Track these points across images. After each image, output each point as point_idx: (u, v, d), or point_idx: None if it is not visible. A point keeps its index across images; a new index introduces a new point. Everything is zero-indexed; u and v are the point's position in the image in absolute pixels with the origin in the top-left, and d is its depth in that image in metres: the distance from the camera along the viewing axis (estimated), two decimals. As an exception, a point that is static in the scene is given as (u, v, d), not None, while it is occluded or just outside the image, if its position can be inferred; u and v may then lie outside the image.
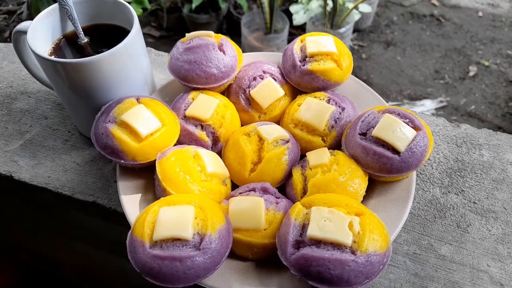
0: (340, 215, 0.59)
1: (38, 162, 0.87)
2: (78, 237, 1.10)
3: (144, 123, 0.72)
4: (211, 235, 0.59)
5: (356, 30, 3.17)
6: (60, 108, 0.97)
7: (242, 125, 0.85)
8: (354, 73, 2.97)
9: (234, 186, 0.77)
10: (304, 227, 0.60)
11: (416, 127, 0.72)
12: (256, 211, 0.65)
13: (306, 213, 0.62)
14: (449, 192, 0.82)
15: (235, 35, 3.01)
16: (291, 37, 2.81)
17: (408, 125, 0.71)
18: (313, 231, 0.58)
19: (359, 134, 0.73)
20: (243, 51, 2.81)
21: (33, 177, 0.85)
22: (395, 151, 0.69)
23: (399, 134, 0.69)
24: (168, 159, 0.71)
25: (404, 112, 0.73)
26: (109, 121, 0.73)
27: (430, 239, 0.76)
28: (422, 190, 0.82)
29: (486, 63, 3.00)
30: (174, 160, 0.70)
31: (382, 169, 0.70)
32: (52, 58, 0.73)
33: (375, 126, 0.72)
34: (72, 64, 0.72)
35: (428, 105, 2.79)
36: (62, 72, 0.74)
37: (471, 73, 2.94)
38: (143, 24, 3.14)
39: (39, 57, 0.73)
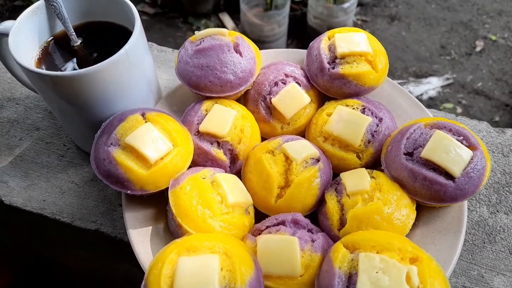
0: (394, 265, 0.49)
1: (31, 182, 0.76)
2: (80, 245, 1.01)
3: (152, 146, 0.61)
4: (241, 290, 0.50)
5: (359, 4, 3.02)
6: (53, 116, 0.85)
7: (262, 137, 0.75)
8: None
9: (257, 212, 0.67)
10: (350, 277, 0.51)
11: (471, 146, 0.61)
12: (290, 254, 0.55)
13: (352, 260, 0.52)
14: (497, 211, 0.73)
15: (233, 12, 2.85)
16: (293, 13, 2.65)
17: (463, 143, 0.61)
18: (364, 287, 0.48)
19: (405, 154, 0.63)
20: (242, 29, 2.67)
21: (26, 201, 0.74)
22: (448, 175, 0.59)
23: (454, 155, 0.59)
24: (182, 188, 0.60)
25: (456, 127, 0.63)
26: (112, 144, 0.62)
27: (480, 269, 0.67)
28: (468, 210, 0.73)
29: (494, 37, 2.88)
30: (190, 190, 0.60)
31: (434, 197, 0.60)
32: (40, 70, 0.61)
33: (424, 144, 0.62)
34: (64, 77, 0.60)
35: (434, 82, 2.69)
36: (53, 86, 0.63)
37: (478, 48, 2.83)
38: (136, 1, 2.95)
39: (25, 69, 0.61)
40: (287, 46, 2.77)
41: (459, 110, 2.49)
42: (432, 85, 2.68)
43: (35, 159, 0.79)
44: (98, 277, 1.26)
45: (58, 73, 0.60)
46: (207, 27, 2.87)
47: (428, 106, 2.48)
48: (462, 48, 2.86)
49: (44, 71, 0.60)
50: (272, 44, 2.63)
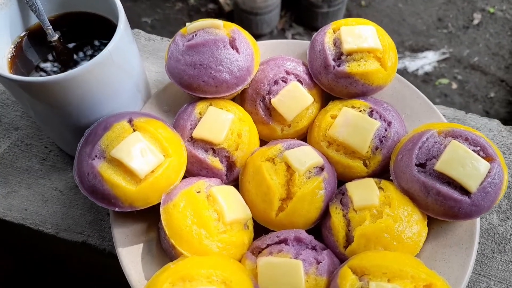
0: (408, 297, 0.46)
1: (10, 189, 0.71)
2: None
3: (141, 159, 0.56)
4: (243, 325, 0.46)
5: (356, -26, 2.90)
6: (31, 114, 0.79)
7: (260, 139, 0.69)
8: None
9: (256, 223, 0.63)
10: (360, 308, 0.47)
11: (488, 157, 0.57)
12: (293, 280, 0.51)
13: (362, 287, 0.48)
14: (508, 218, 0.69)
15: (224, -18, 2.71)
16: (287, -17, 2.54)
17: (479, 154, 0.56)
18: (376, 322, 0.44)
19: (416, 165, 0.58)
20: (234, 0, 2.54)
21: (7, 210, 0.69)
22: (463, 190, 0.55)
23: (470, 169, 0.55)
24: (176, 206, 0.55)
25: (473, 136, 0.58)
26: (96, 156, 0.56)
27: (489, 281, 0.64)
28: (478, 217, 0.69)
29: (492, 10, 2.81)
30: (184, 208, 0.55)
31: (447, 213, 0.56)
32: (13, 76, 0.54)
33: (437, 155, 0.57)
34: (40, 83, 0.54)
35: (430, 57, 2.63)
36: (29, 93, 0.56)
37: (475, 21, 2.76)
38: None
39: (-5, 74, 0.54)
40: (281, 18, 2.67)
41: (454, 85, 2.45)
42: (428, 60, 2.63)
43: (14, 163, 0.73)
44: (94, 270, 1.23)
45: (33, 79, 0.53)
46: (197, -2, 2.74)
47: (424, 81, 2.44)
48: (459, 21, 2.79)
49: (18, 78, 0.53)
50: (265, 16, 2.53)
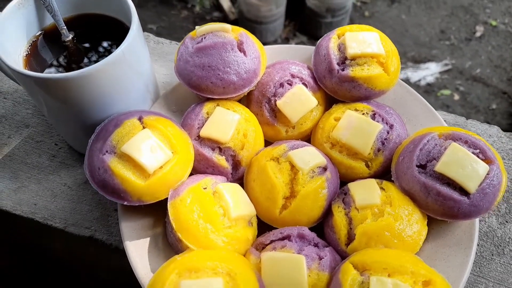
0: (408, 291, 0.47)
1: (21, 184, 0.72)
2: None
3: (150, 155, 0.57)
4: (247, 316, 0.47)
5: (359, -15, 2.95)
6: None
7: (265, 140, 0.71)
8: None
9: (260, 221, 0.64)
10: (361, 302, 0.49)
11: (487, 159, 0.58)
12: (296, 274, 0.53)
13: (362, 282, 0.50)
14: (507, 221, 0.71)
15: (229, -11, 2.76)
16: (293, -8, 2.58)
17: (479, 157, 0.58)
18: (376, 315, 0.46)
19: (417, 166, 0.59)
20: (239, 9, 2.58)
21: (16, 204, 0.70)
22: (463, 191, 0.57)
23: (470, 171, 0.56)
24: (183, 201, 0.57)
25: (472, 139, 0.60)
26: (107, 152, 0.58)
27: (487, 283, 0.65)
28: (477, 220, 0.71)
29: (494, 23, 2.83)
30: (190, 203, 0.57)
31: (446, 213, 0.58)
32: (30, 73, 0.56)
33: (438, 157, 0.59)
34: (54, 80, 0.56)
35: (432, 68, 2.66)
36: (42, 88, 0.58)
37: (478, 34, 2.79)
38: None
39: (12, 70, 0.57)
40: (285, 28, 2.70)
41: (456, 97, 2.47)
42: (430, 71, 2.66)
43: (25, 159, 0.75)
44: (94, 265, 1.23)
45: (48, 75, 0.55)
46: (202, 5, 2.79)
47: (426, 92, 2.46)
48: (461, 33, 2.82)
49: (32, 73, 0.56)
50: (269, 25, 2.56)
